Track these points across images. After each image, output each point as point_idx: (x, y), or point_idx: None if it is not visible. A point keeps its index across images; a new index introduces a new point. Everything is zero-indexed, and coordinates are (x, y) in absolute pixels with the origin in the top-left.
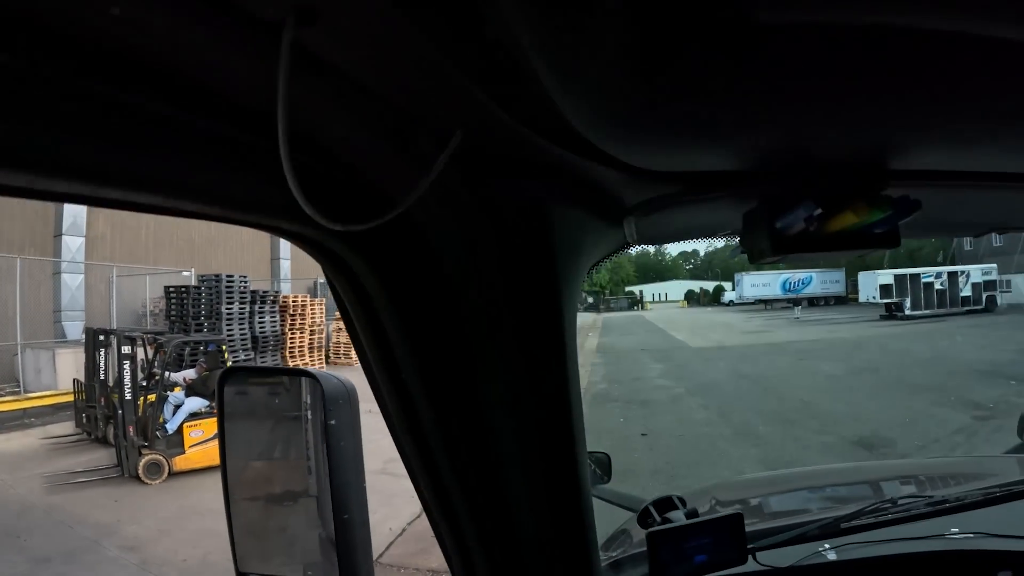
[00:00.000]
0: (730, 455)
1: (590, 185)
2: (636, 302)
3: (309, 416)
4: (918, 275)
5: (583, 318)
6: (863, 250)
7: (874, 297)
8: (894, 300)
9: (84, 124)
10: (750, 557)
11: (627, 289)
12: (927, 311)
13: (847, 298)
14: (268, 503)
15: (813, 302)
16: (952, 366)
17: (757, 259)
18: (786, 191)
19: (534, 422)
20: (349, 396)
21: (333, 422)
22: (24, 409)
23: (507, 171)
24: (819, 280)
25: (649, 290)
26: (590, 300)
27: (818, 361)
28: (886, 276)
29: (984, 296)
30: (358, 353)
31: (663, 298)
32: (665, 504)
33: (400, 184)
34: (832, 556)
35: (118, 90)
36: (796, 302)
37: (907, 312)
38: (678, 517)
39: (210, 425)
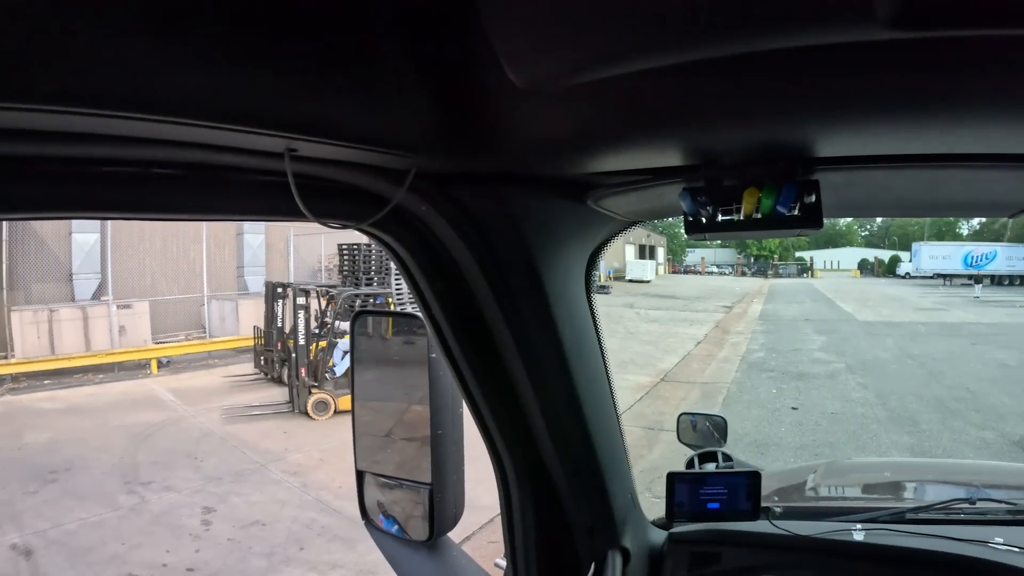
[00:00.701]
0: (880, 440)
1: (547, 181)
2: (806, 269)
3: (417, 351)
4: None
5: (749, 283)
6: (783, 231)
7: None
8: None
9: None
10: (766, 519)
11: (797, 255)
12: None
13: None
14: (383, 417)
15: (997, 280)
16: None
17: (692, 234)
18: (710, 180)
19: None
20: None
21: (433, 355)
22: (208, 352)
23: (466, 181)
24: (1004, 256)
25: (820, 257)
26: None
27: (993, 348)
28: None
29: None
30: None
31: (835, 266)
32: (708, 457)
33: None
34: (858, 537)
35: None
36: (978, 279)
37: None
38: (709, 468)
39: None
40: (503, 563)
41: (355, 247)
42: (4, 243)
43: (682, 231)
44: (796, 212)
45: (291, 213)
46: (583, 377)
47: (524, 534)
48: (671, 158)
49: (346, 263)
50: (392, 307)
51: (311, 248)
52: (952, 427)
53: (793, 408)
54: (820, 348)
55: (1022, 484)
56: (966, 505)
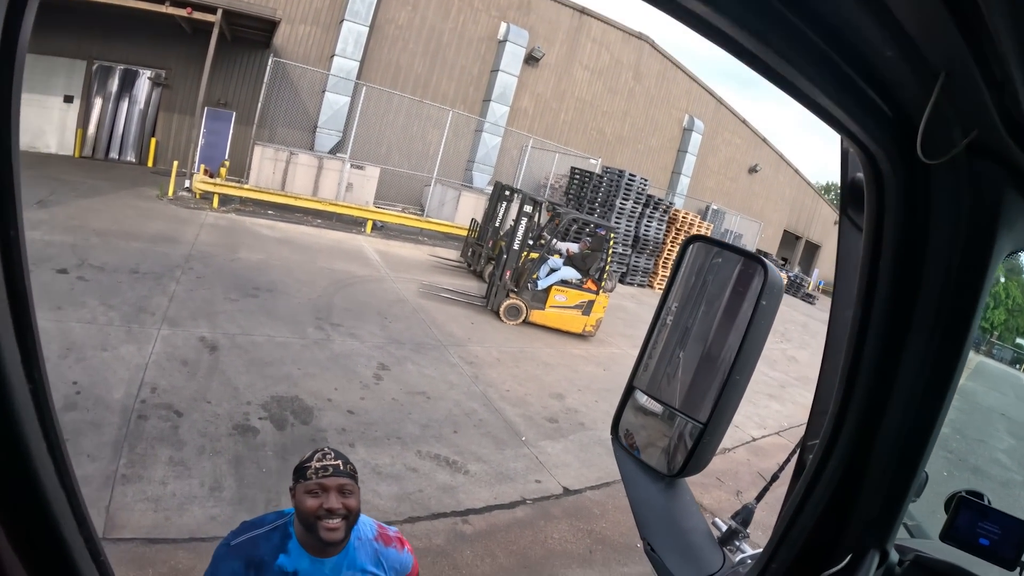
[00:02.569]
0: None
1: None
2: (1022, 360)
3: (745, 292)
4: None
5: None
6: None
7: None
8: None
9: None
10: (1019, 570)
11: (1017, 340)
12: None
13: None
14: (680, 344)
15: None
16: None
17: None
18: None
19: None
20: (780, 288)
21: (764, 303)
22: (421, 229)
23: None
24: None
25: None
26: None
27: None
28: None
29: None
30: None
31: None
32: (976, 495)
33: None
34: None
35: None
36: None
37: None
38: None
39: (574, 295)
40: (722, 524)
41: (587, 174)
42: (265, 84)
43: None
44: None
45: None
46: (953, 381)
47: (817, 502)
48: None
49: (575, 187)
50: (612, 242)
51: (542, 163)
52: None
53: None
54: (1004, 451)
55: None
56: None
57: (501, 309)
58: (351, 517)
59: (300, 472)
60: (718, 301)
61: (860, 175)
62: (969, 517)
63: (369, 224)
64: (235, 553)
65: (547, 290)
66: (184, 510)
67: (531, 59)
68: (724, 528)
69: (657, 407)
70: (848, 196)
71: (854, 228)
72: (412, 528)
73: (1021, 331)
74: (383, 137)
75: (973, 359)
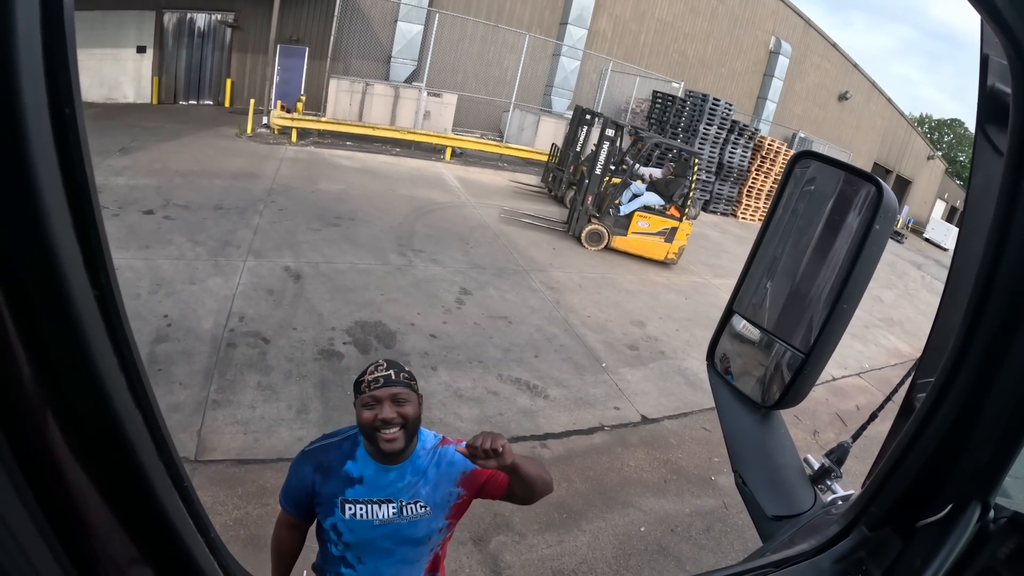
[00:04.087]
0: None
1: None
2: None
3: (856, 215)
4: None
5: None
6: None
7: None
8: None
9: None
10: None
11: None
12: None
13: None
14: (786, 268)
15: None
16: None
17: None
18: None
19: None
20: (895, 212)
21: (877, 227)
22: (500, 155)
23: None
24: None
25: None
26: None
27: None
28: None
29: None
30: None
31: None
32: None
33: None
34: None
35: None
36: None
37: None
38: None
39: (657, 221)
40: (814, 461)
41: (669, 98)
42: (336, 18)
43: None
44: None
45: None
46: None
47: (927, 442)
48: None
49: (657, 111)
50: (696, 167)
51: (622, 87)
52: None
53: None
54: None
55: None
56: None
57: (583, 234)
58: (409, 424)
59: (356, 387)
60: (827, 224)
61: (1002, 85)
62: None
63: (448, 151)
64: (308, 459)
65: (629, 216)
66: (272, 432)
67: None
68: (816, 466)
69: (755, 334)
70: (988, 111)
71: (993, 150)
72: None
73: None
74: (459, 64)
75: None
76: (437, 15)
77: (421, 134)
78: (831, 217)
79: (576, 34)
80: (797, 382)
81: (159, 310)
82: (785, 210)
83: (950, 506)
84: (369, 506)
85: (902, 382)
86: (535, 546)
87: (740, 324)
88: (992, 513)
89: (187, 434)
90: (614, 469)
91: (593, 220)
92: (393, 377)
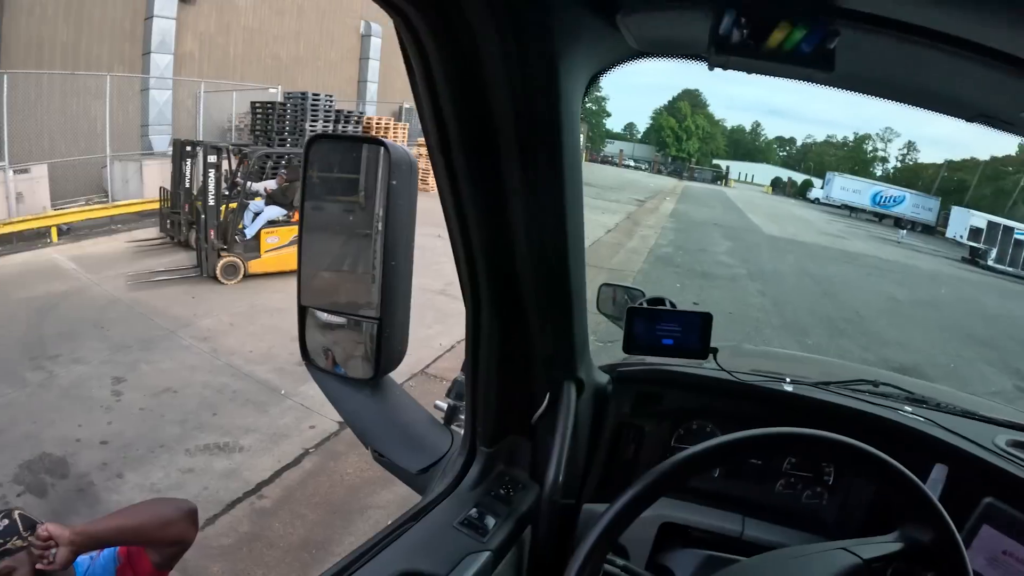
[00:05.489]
0: (771, 343)
1: None
2: (720, 176)
3: (379, 176)
4: (1012, 228)
5: (663, 181)
6: (796, 66)
7: (961, 236)
8: (980, 246)
9: None
10: (712, 356)
11: (714, 162)
12: (1010, 268)
13: (935, 229)
14: (332, 249)
15: (899, 223)
16: (1016, 332)
17: (718, 56)
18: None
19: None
20: (411, 164)
21: (395, 183)
22: (111, 216)
23: None
24: (911, 202)
25: (736, 168)
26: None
27: (886, 282)
28: (979, 219)
29: None
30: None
31: (749, 179)
32: (657, 301)
33: None
34: (788, 388)
35: None
36: (902, 225)
37: (990, 263)
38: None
39: (286, 232)
40: (443, 404)
41: (268, 105)
42: None
43: (605, 121)
44: (814, 54)
45: None
46: (570, 200)
47: (488, 357)
48: None
49: (259, 122)
50: None
51: (221, 106)
52: (839, 344)
53: (695, 304)
54: (725, 252)
55: (913, 387)
56: (871, 387)
57: (218, 272)
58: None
59: None
60: (352, 193)
61: None
62: (644, 325)
63: (54, 231)
64: None
65: (257, 236)
66: None
67: None
68: (445, 407)
69: (337, 319)
70: None
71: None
72: (214, 528)
73: (715, 154)
74: (43, 127)
75: (678, 185)
76: (5, 76)
77: (18, 221)
78: (354, 187)
79: (162, 62)
80: (384, 347)
81: None
82: (313, 195)
83: (547, 395)
84: None
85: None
86: None
87: (319, 315)
88: (607, 377)
89: None
90: (336, 484)
91: (223, 253)
92: None
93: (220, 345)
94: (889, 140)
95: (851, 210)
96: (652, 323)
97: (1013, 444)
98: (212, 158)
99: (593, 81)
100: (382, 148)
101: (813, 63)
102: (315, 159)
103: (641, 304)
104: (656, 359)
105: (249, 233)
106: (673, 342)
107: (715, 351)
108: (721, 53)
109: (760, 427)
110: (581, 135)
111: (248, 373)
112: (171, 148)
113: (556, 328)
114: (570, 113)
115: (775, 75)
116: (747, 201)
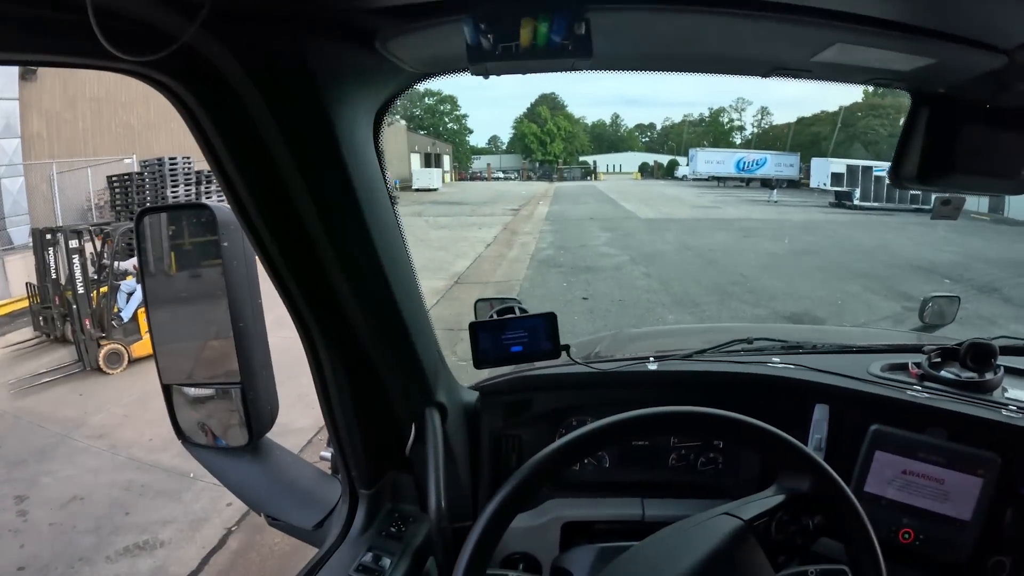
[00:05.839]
0: (666, 321)
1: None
2: (589, 172)
3: (205, 242)
4: (870, 168)
5: (535, 187)
6: (557, 59)
7: (825, 184)
8: (844, 189)
9: None
10: (567, 356)
11: (581, 159)
12: (875, 203)
13: (799, 182)
14: (182, 322)
15: (766, 183)
16: (892, 259)
17: (475, 64)
18: (491, 10)
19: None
20: (239, 227)
21: (226, 244)
22: None
23: (267, 20)
24: (773, 162)
25: (603, 161)
26: (540, 170)
27: (763, 240)
28: (838, 165)
29: (933, 197)
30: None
31: (617, 169)
32: (506, 311)
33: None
34: (652, 367)
35: None
36: (771, 185)
37: (856, 202)
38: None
39: None
40: (328, 454)
41: (126, 177)
42: None
43: (468, 138)
44: (569, 44)
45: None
46: (380, 237)
47: (342, 403)
48: None
49: (118, 196)
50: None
51: (77, 185)
52: (730, 307)
53: (584, 298)
54: (605, 243)
55: (792, 334)
56: (745, 345)
57: (101, 362)
58: None
59: None
60: (188, 261)
61: None
62: (489, 337)
63: None
64: None
65: (134, 317)
66: None
67: (28, 72)
68: (330, 457)
69: (204, 391)
70: None
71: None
72: None
73: (580, 151)
74: None
75: (549, 188)
76: None
77: None
78: (189, 255)
79: (10, 147)
80: (251, 410)
81: None
82: (150, 269)
83: (412, 425)
84: None
85: None
86: None
87: (185, 391)
88: (474, 395)
89: None
90: (267, 556)
91: (103, 342)
92: None
93: (118, 439)
94: (743, 109)
95: (719, 180)
96: (497, 334)
97: (888, 368)
98: (74, 243)
99: (383, 111)
100: (207, 211)
101: (571, 53)
102: (147, 233)
103: (491, 316)
104: (521, 367)
105: (126, 315)
106: (522, 348)
107: (567, 348)
108: (477, 61)
109: (632, 410)
110: (447, 157)
111: (152, 463)
112: (31, 239)
113: (402, 361)
114: (358, 151)
115: (540, 71)
116: (619, 190)
